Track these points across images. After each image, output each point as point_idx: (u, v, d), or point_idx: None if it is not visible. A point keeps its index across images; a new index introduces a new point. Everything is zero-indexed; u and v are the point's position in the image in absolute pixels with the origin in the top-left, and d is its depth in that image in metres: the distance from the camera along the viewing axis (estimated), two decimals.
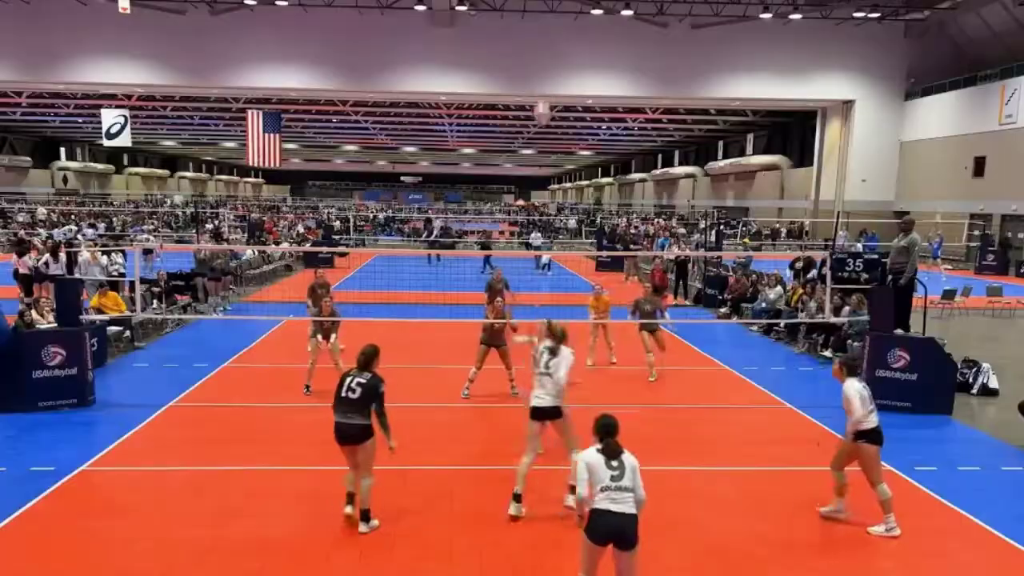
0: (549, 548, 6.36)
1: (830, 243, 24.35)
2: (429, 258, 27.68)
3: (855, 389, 6.61)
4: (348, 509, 6.55)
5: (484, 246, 31.89)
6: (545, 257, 28.55)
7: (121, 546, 6.26)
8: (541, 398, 6.78)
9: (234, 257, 22.21)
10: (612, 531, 4.78)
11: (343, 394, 6.36)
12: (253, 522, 6.68)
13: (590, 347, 12.74)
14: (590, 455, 4.96)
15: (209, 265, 18.22)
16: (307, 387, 10.56)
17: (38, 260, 16.21)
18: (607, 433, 5.04)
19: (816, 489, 7.71)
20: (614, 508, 4.76)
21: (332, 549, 6.26)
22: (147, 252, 18.32)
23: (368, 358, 6.50)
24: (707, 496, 7.50)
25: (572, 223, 47.54)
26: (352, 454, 6.43)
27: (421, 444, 8.80)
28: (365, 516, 6.48)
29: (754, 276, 18.70)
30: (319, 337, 10.64)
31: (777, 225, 44.92)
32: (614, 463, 4.88)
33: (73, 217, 41.46)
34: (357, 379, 6.40)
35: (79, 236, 26.75)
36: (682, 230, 43.85)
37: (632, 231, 41.77)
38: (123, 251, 19.07)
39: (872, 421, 6.61)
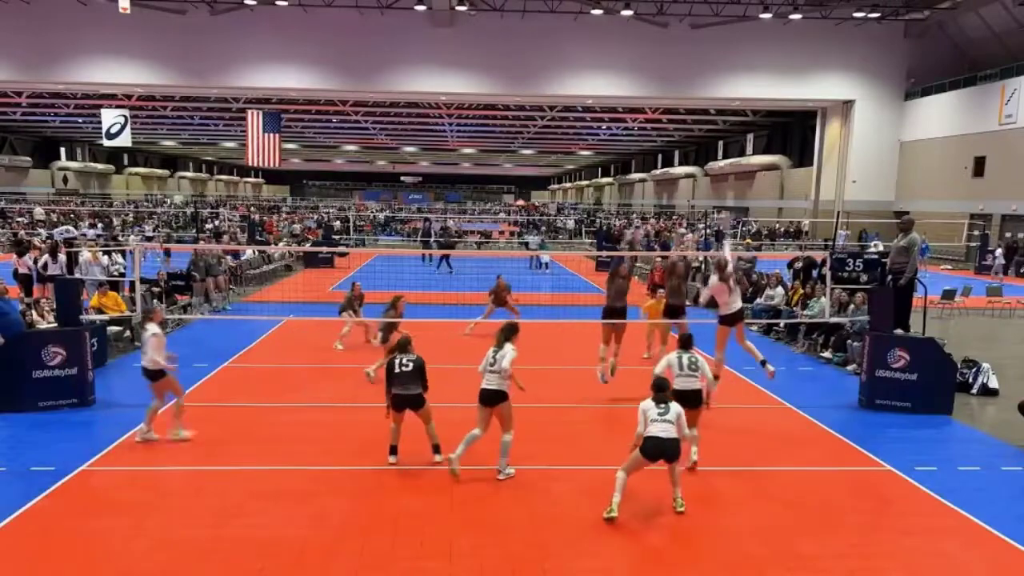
0: (550, 548, 6.36)
1: (830, 243, 24.37)
2: (423, 258, 27.61)
3: (667, 360, 8.17)
4: (392, 459, 8.04)
5: (445, 245, 31.02)
6: (545, 256, 28.49)
7: (121, 546, 6.26)
8: (490, 383, 7.75)
9: (234, 257, 22.20)
10: (660, 450, 6.66)
11: (397, 371, 7.76)
12: (253, 522, 6.68)
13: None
14: (646, 402, 6.92)
15: (199, 265, 18.20)
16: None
17: (37, 260, 16.21)
18: (659, 389, 6.98)
19: (816, 489, 7.72)
20: (662, 435, 6.64)
21: (332, 549, 6.26)
22: (167, 253, 18.48)
23: (408, 341, 8.10)
24: (707, 496, 7.49)
25: (571, 223, 47.47)
26: (416, 415, 7.95)
27: (421, 444, 8.80)
28: (437, 449, 8.11)
29: (756, 276, 18.69)
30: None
31: (777, 225, 44.95)
32: (662, 406, 6.81)
33: (72, 216, 41.47)
34: (407, 358, 7.83)
35: (79, 236, 26.73)
36: (682, 230, 43.87)
37: (631, 231, 41.77)
38: (123, 251, 19.07)
39: (681, 384, 7.91)
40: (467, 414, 9.97)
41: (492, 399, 7.65)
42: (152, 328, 8.54)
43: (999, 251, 27.49)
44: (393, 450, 8.06)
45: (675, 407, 6.85)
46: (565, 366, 12.76)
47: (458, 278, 20.23)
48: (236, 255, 22.49)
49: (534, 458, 8.41)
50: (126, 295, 14.63)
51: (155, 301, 15.40)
